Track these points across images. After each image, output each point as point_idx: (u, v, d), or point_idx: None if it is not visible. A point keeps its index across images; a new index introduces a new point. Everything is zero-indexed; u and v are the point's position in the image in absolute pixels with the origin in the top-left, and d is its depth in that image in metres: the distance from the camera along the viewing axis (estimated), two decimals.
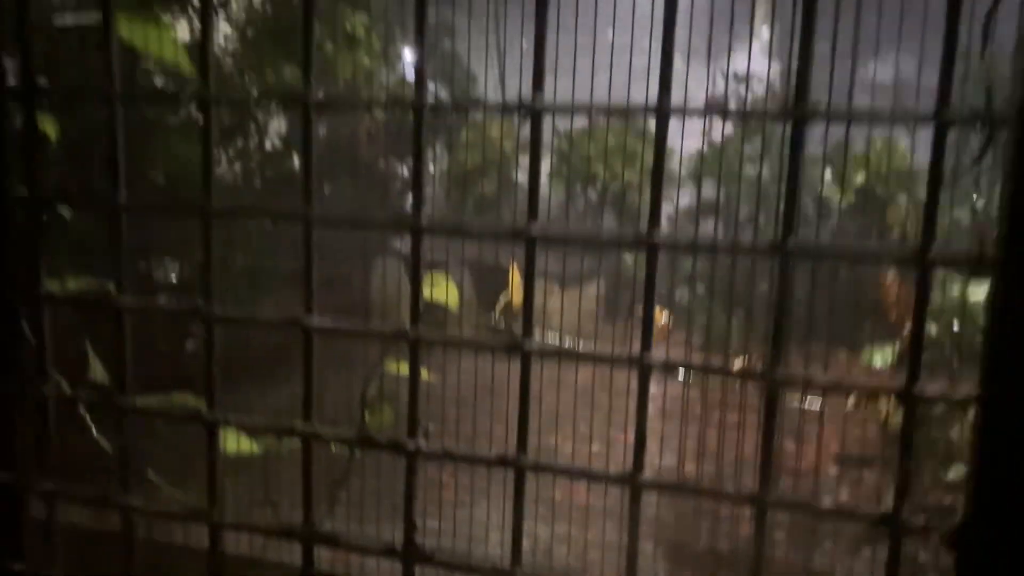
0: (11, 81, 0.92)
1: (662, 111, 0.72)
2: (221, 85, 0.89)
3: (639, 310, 0.81)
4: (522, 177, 6.46)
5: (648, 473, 0.80)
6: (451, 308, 1.08)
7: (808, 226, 4.69)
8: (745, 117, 5.63)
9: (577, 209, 6.27)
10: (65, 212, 1.00)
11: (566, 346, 1.33)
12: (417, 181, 0.81)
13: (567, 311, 3.74)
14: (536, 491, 0.87)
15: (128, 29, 0.93)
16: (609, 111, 0.93)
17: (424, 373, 0.87)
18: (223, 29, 5.11)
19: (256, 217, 0.89)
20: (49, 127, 1.00)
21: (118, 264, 0.92)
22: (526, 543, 0.85)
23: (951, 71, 0.69)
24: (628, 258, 5.48)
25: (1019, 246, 0.50)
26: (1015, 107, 0.49)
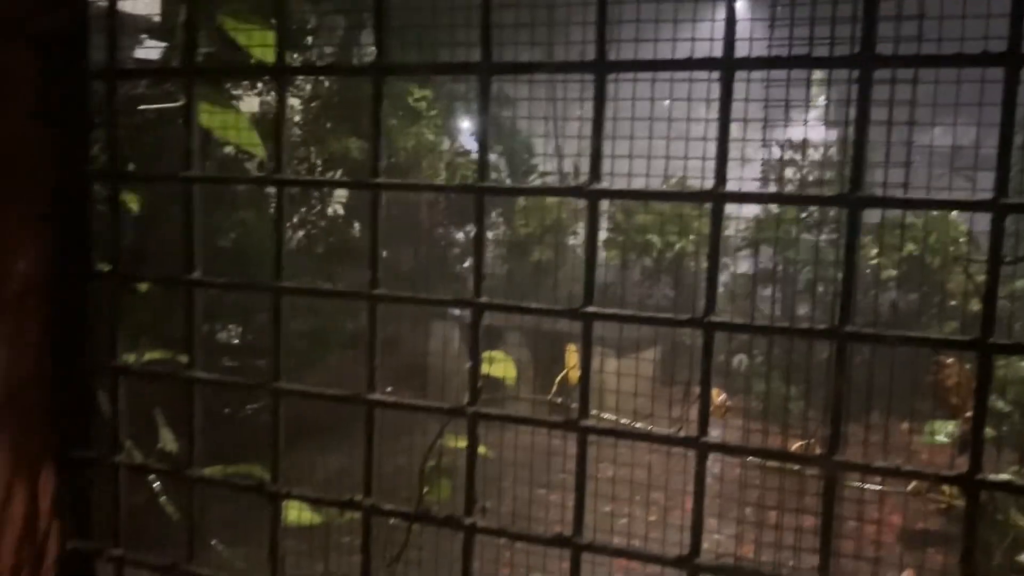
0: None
1: (717, 198, 0.74)
2: (280, 154, 0.93)
3: (695, 385, 0.82)
4: (576, 242, 6.50)
5: (704, 555, 0.80)
6: (508, 383, 1.10)
7: (863, 299, 4.61)
8: (801, 187, 5.61)
9: (632, 277, 6.27)
10: (142, 287, 1.05)
11: (623, 424, 1.33)
12: (478, 265, 0.84)
13: (623, 378, 3.72)
14: (592, 568, 0.86)
15: (207, 116, 0.99)
16: (663, 194, 0.94)
17: (481, 448, 0.89)
18: (289, 102, 5.32)
19: (325, 297, 0.92)
20: (132, 201, 1.06)
21: (191, 338, 0.96)
22: None
23: (1008, 157, 0.70)
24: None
25: None
26: None
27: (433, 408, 0.88)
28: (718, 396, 1.83)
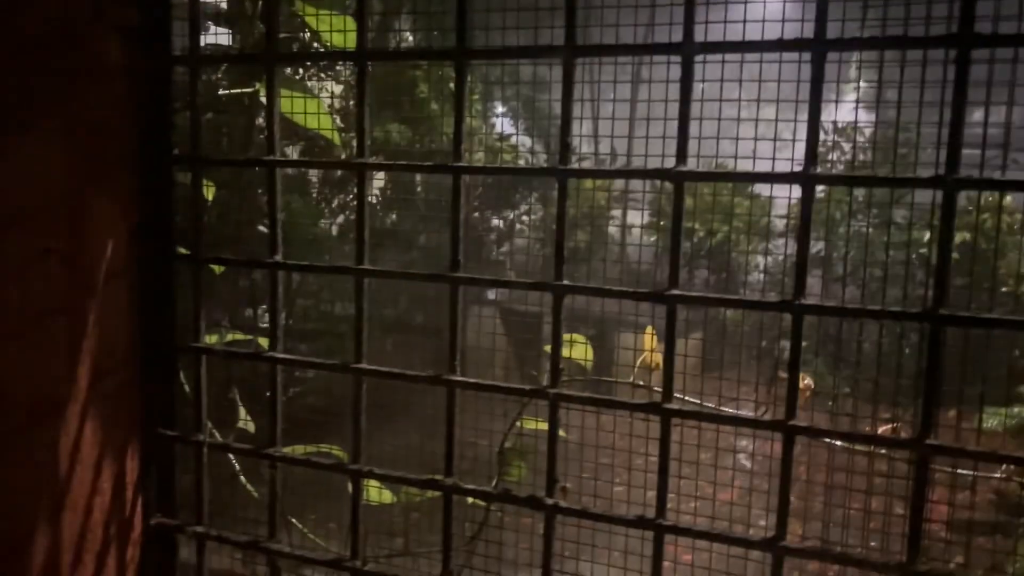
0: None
1: (806, 180, 0.74)
2: (354, 140, 0.94)
3: (778, 369, 0.82)
4: (614, 230, 6.47)
5: (786, 537, 0.80)
6: (584, 366, 1.11)
7: (913, 283, 4.55)
8: (848, 170, 5.53)
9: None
10: (217, 270, 1.06)
11: (707, 407, 1.33)
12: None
13: (678, 360, 3.68)
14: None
15: (286, 101, 1.01)
16: (748, 175, 0.95)
17: (561, 432, 0.89)
18: (332, 89, 5.35)
19: (407, 279, 0.94)
20: (208, 189, 1.08)
21: (273, 319, 0.98)
22: None
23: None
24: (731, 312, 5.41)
25: None
26: None
27: (515, 390, 0.89)
28: (803, 380, 1.82)
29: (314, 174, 5.47)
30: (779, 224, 5.30)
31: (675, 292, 0.82)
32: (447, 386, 0.90)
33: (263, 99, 1.22)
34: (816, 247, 5.33)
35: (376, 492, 1.01)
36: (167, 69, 0.98)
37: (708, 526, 0.85)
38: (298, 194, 4.40)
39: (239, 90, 1.38)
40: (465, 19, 0.86)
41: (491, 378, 0.85)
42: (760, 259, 5.29)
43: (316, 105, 1.07)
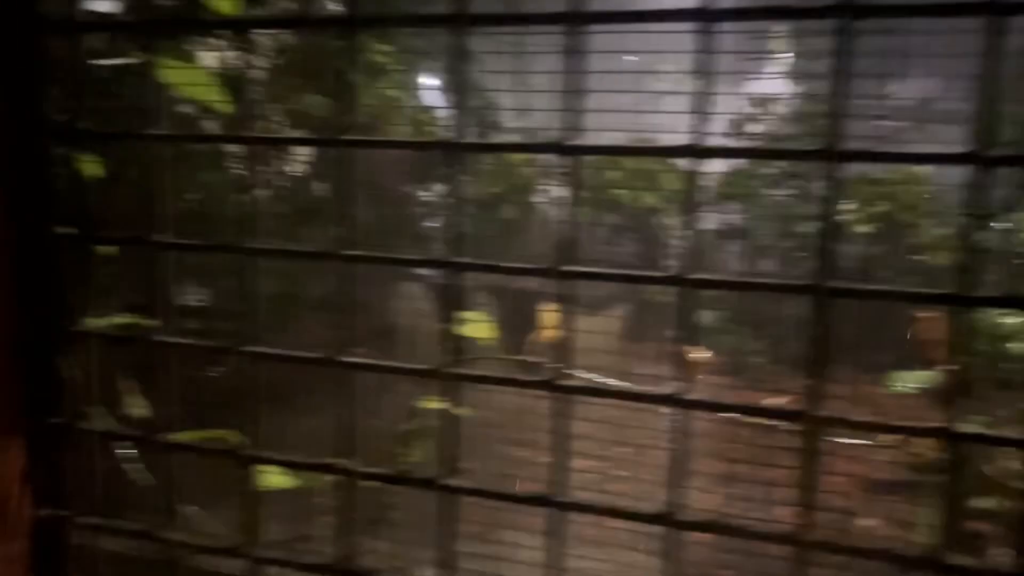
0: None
1: (693, 153, 0.73)
2: (248, 112, 0.91)
3: (668, 343, 0.82)
4: (544, 201, 6.47)
5: (683, 511, 0.80)
6: (484, 343, 1.09)
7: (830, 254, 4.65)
8: (769, 141, 5.62)
9: (601, 234, 6.28)
10: (108, 250, 1.02)
11: (601, 382, 1.33)
12: (453, 226, 0.82)
13: (594, 335, 3.73)
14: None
15: (169, 72, 0.96)
16: (639, 150, 0.94)
17: (459, 409, 0.88)
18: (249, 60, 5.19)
19: (296, 259, 0.91)
20: (95, 166, 1.03)
21: (161, 300, 0.94)
22: None
23: (992, 110, 0.69)
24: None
25: None
26: None
27: (409, 370, 0.87)
28: (696, 353, 1.84)
29: (235, 147, 5.32)
30: (703, 195, 5.38)
31: (567, 268, 0.81)
32: (341, 367, 0.88)
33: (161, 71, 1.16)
34: (736, 218, 5.43)
35: (279, 477, 0.99)
36: (36, 35, 0.92)
37: (611, 503, 0.85)
38: (218, 170, 4.27)
39: (124, 60, 1.31)
40: None
41: (417, 356, 0.83)
42: (683, 230, 5.36)
43: (201, 75, 1.03)
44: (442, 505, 0.87)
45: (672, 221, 5.77)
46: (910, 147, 0.85)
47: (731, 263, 5.41)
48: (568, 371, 0.85)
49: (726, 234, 5.29)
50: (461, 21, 0.80)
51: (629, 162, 5.73)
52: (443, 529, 0.87)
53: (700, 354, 1.90)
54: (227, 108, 1.04)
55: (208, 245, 0.91)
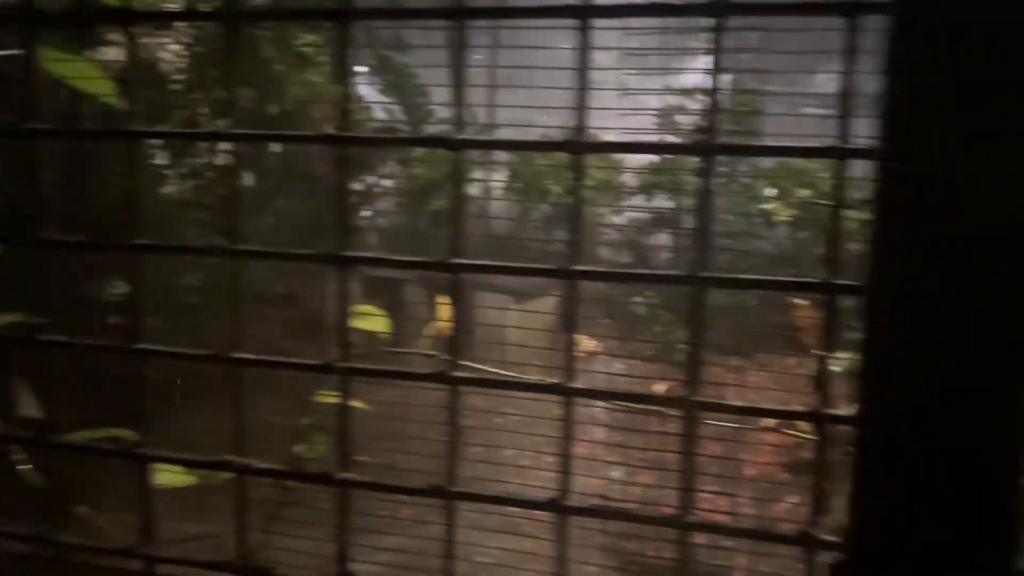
0: None
1: (575, 148, 0.75)
2: (170, 101, 0.89)
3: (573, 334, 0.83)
4: (475, 191, 6.47)
5: (575, 498, 0.82)
6: (381, 336, 1.09)
7: (754, 240, 4.75)
8: (694, 133, 5.70)
9: (533, 222, 6.30)
10: None
11: (494, 374, 1.35)
12: (342, 217, 0.82)
13: (523, 324, 3.75)
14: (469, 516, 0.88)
15: (57, 64, 0.93)
16: (521, 144, 0.95)
17: (356, 402, 0.88)
18: (172, 48, 5.07)
19: (184, 254, 0.90)
20: None
21: (48, 300, 0.92)
22: (463, 567, 0.86)
23: (849, 104, 0.72)
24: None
25: (885, 272, 0.52)
26: (878, 139, 0.52)
27: (303, 365, 0.87)
28: (586, 342, 1.87)
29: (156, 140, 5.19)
30: (631, 184, 5.45)
31: (457, 260, 0.81)
32: (230, 364, 0.87)
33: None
34: (665, 206, 5.50)
35: (174, 476, 0.98)
36: None
37: (505, 491, 0.87)
38: (132, 163, 4.16)
39: (5, 52, 1.26)
40: None
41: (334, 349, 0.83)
42: (613, 218, 5.41)
43: (89, 68, 1.00)
44: (338, 498, 0.87)
45: (602, 211, 5.83)
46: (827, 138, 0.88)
47: (661, 252, 5.50)
48: (464, 363, 0.86)
49: (656, 223, 5.37)
50: (346, 17, 0.80)
51: (560, 153, 5.74)
52: (340, 522, 0.88)
53: (590, 343, 1.92)
54: (116, 101, 1.01)
55: (89, 243, 0.90)
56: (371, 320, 1.03)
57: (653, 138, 4.98)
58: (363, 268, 0.85)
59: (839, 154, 0.70)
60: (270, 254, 0.85)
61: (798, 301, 1.30)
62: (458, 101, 0.79)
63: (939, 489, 0.54)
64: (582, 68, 0.75)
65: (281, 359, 0.88)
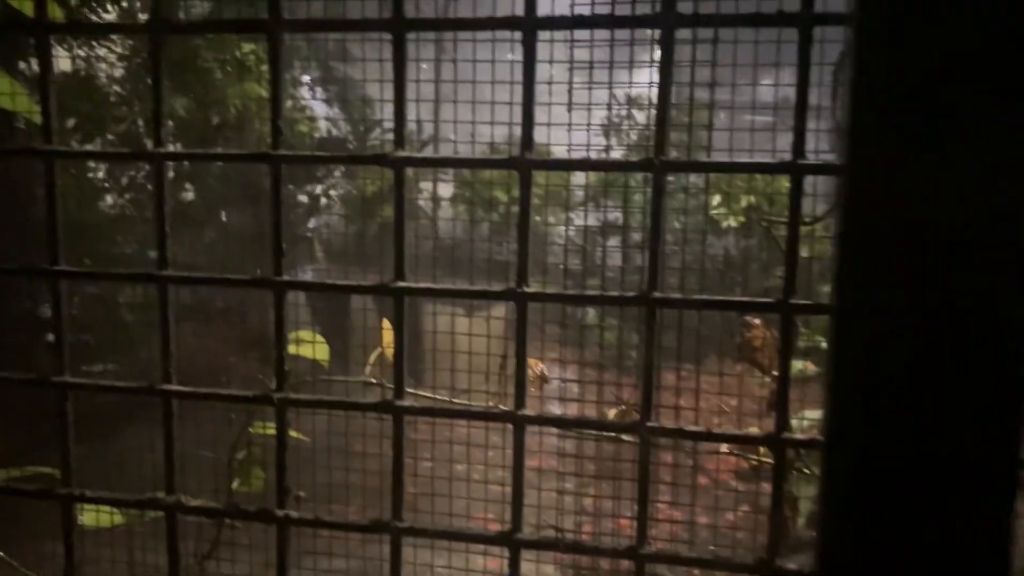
0: None
1: (522, 165, 0.71)
2: (108, 113, 0.84)
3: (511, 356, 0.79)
4: (423, 202, 6.41)
5: (527, 530, 0.78)
6: (321, 363, 1.05)
7: (697, 245, 4.77)
8: (641, 141, 5.74)
9: (480, 234, 6.26)
10: None
11: (442, 401, 1.31)
12: (277, 239, 0.78)
13: (473, 339, 3.70)
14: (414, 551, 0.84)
15: None
16: (468, 161, 0.91)
17: (294, 433, 0.84)
18: (109, 59, 4.94)
19: (104, 280, 0.84)
20: None
21: None
22: None
23: (804, 119, 0.70)
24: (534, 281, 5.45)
25: (850, 292, 0.50)
26: (841, 156, 0.50)
27: (237, 397, 0.82)
28: (536, 366, 1.84)
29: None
30: (579, 196, 5.45)
31: (401, 284, 0.77)
32: (161, 396, 0.82)
33: None
34: (613, 215, 5.51)
35: (97, 516, 0.92)
36: None
37: (450, 526, 0.82)
38: (70, 176, 4.05)
39: None
40: None
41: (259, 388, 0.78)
42: (561, 229, 5.40)
43: (7, 84, 0.94)
44: (277, 534, 0.82)
45: (551, 219, 5.82)
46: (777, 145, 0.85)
47: (610, 259, 5.50)
48: (410, 389, 0.82)
49: (604, 231, 5.36)
50: (277, 27, 0.75)
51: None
52: (279, 557, 0.83)
53: (539, 367, 1.89)
54: (37, 117, 0.95)
55: (5, 269, 0.84)
56: (310, 348, 0.99)
57: (599, 149, 4.98)
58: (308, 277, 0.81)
59: (794, 170, 0.68)
60: (201, 279, 0.80)
61: (751, 320, 1.28)
62: (400, 115, 0.75)
63: (913, 516, 0.51)
64: (528, 82, 0.72)
65: (212, 391, 0.82)
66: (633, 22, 0.71)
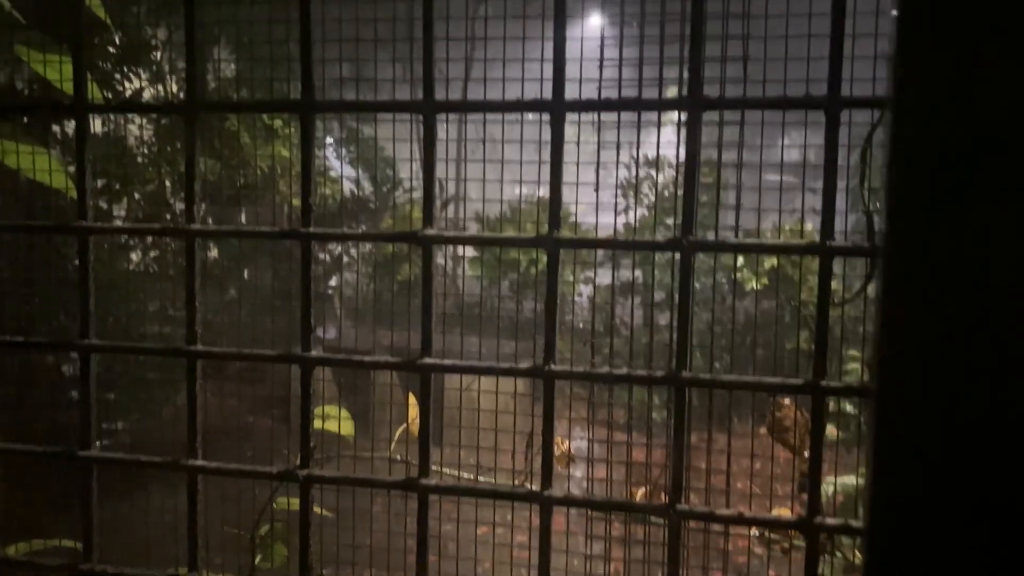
0: None
1: (551, 243, 0.72)
2: (135, 174, 0.85)
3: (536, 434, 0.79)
4: (442, 260, 6.45)
5: None
6: (346, 438, 1.04)
7: (722, 307, 4.75)
8: (658, 201, 5.77)
9: (499, 293, 6.27)
10: None
11: (467, 479, 1.29)
12: (306, 316, 0.78)
13: (496, 396, 3.66)
14: None
15: (17, 156, 0.89)
16: (497, 240, 0.92)
17: (317, 508, 0.83)
18: (137, 119, 5.05)
19: (135, 353, 0.85)
20: None
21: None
22: None
23: (833, 201, 0.70)
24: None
25: (893, 371, 0.49)
26: (885, 236, 0.50)
27: (261, 473, 0.81)
28: (563, 444, 1.82)
29: (119, 211, 5.14)
30: (598, 255, 5.46)
31: (428, 361, 0.77)
32: (187, 472, 0.81)
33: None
34: (631, 274, 5.52)
35: None
36: None
37: None
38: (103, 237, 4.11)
39: None
40: (192, 67, 0.79)
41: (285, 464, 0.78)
42: (582, 287, 5.40)
43: (45, 160, 0.96)
44: None
45: (569, 278, 5.82)
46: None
47: (630, 317, 5.49)
48: (435, 466, 0.81)
49: (621, 290, 5.36)
50: (310, 109, 0.77)
51: (525, 222, 5.77)
52: None
53: (564, 444, 1.87)
54: (73, 194, 0.97)
55: (33, 343, 0.85)
56: (335, 422, 0.98)
57: (620, 209, 5.01)
58: (330, 342, 0.81)
59: (823, 252, 0.67)
60: (230, 355, 0.81)
61: (781, 400, 1.27)
62: (429, 193, 0.76)
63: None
64: (555, 162, 0.73)
65: (237, 467, 0.82)
66: (660, 105, 0.72)
